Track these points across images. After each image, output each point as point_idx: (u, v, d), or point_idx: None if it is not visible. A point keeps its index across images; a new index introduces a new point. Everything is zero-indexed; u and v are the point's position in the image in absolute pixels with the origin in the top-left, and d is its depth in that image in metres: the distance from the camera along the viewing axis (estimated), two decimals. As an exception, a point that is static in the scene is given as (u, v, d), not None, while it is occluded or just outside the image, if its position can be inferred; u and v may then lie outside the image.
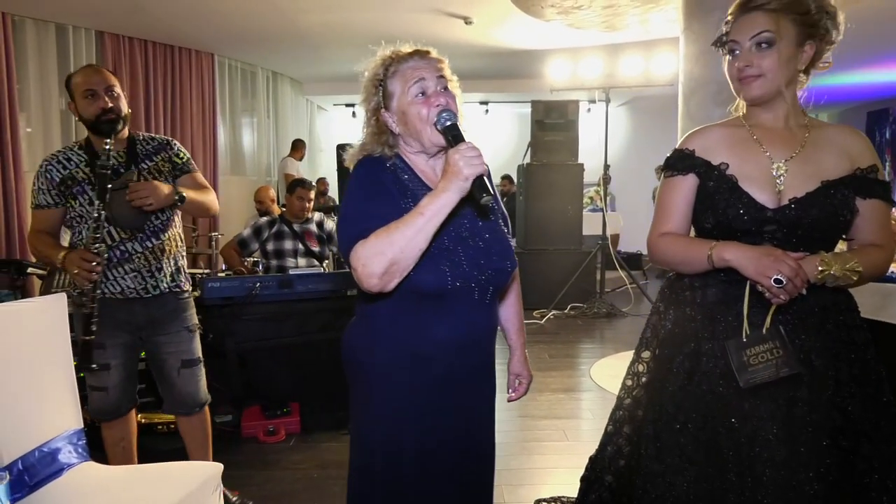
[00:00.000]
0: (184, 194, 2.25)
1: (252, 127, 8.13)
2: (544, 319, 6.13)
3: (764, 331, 1.42)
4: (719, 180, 1.49)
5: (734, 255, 1.41)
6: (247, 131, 8.05)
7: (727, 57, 1.53)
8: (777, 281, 1.34)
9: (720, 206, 1.48)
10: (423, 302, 1.39)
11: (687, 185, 1.53)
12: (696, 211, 1.55)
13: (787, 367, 1.39)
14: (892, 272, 3.28)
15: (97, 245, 2.11)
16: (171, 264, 2.35)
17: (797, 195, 1.45)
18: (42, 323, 1.79)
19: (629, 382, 1.68)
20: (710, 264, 1.45)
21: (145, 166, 2.28)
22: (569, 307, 6.36)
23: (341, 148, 6.54)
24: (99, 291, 2.15)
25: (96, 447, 2.30)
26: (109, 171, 2.11)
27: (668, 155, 1.59)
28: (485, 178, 1.29)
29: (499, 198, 1.54)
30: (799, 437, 1.38)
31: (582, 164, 6.86)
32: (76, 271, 2.08)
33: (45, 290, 3.37)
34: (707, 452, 1.41)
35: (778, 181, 1.47)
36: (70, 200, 2.21)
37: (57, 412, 1.78)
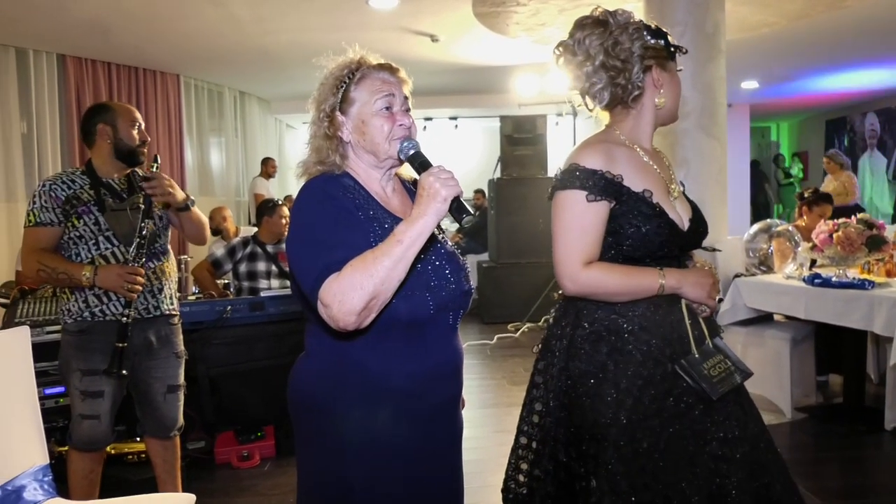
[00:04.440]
0: (193, 201, 2.42)
1: (220, 147, 8.06)
2: (518, 333, 6.16)
3: (711, 345, 1.48)
4: (645, 208, 1.45)
5: (679, 281, 1.46)
6: (215, 151, 7.98)
7: (679, 70, 1.57)
8: (719, 300, 1.40)
9: (650, 234, 1.45)
10: (399, 333, 1.30)
11: (606, 210, 1.45)
12: (615, 235, 1.48)
13: (739, 374, 1.48)
14: (855, 278, 3.37)
15: (140, 261, 2.24)
16: (170, 287, 2.41)
17: (689, 216, 1.55)
18: (5, 356, 1.74)
19: (536, 420, 1.54)
20: (661, 292, 1.45)
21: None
22: (542, 320, 6.38)
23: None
24: (99, 313, 2.24)
25: (63, 481, 2.24)
26: (143, 193, 2.27)
27: (581, 174, 1.45)
28: (461, 200, 1.24)
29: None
30: (748, 429, 1.47)
31: (552, 178, 6.91)
32: (121, 286, 2.18)
33: (9, 320, 3.28)
34: (677, 466, 1.41)
35: (674, 203, 1.54)
36: (73, 220, 2.24)
37: (22, 448, 1.73)
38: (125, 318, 2.22)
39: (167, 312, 2.39)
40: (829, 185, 7.52)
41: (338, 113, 1.37)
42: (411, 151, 1.33)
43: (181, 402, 2.46)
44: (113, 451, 3.05)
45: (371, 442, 1.31)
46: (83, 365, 2.24)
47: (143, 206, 2.27)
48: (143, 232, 2.25)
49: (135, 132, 2.32)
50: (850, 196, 7.30)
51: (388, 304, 1.23)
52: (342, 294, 1.15)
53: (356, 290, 1.15)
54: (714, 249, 1.69)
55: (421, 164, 1.31)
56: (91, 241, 2.25)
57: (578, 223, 1.44)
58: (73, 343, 2.26)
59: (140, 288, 2.23)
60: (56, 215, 2.22)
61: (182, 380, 2.46)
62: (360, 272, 1.16)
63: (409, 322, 1.29)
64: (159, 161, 2.37)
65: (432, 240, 1.36)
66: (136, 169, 2.39)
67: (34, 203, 2.23)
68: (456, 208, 1.23)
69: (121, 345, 2.20)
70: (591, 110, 1.56)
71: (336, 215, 1.28)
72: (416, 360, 1.32)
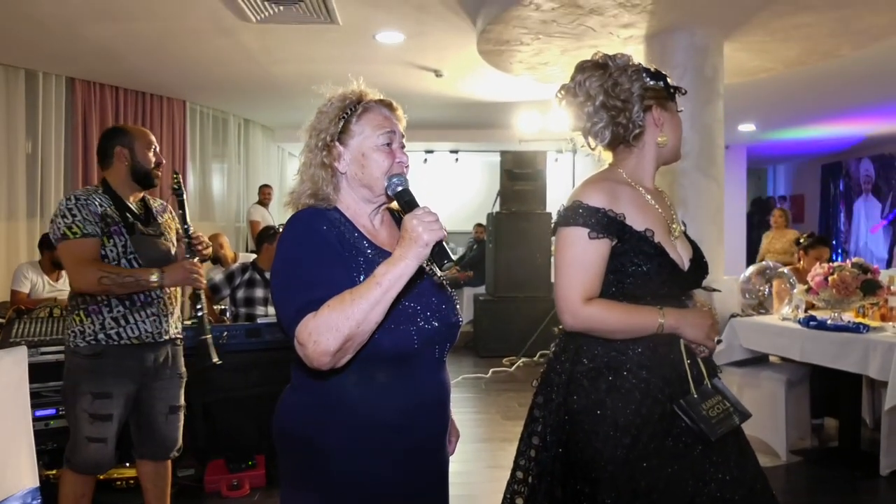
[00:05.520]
0: None
1: (223, 173, 8.11)
2: (514, 367, 6.12)
3: (709, 386, 1.49)
4: (646, 247, 1.47)
5: (678, 321, 1.47)
6: (217, 177, 8.02)
7: (680, 112, 1.62)
8: (718, 341, 1.44)
9: (651, 273, 1.47)
10: (384, 367, 1.28)
11: (608, 247, 1.47)
12: (617, 273, 1.49)
13: (738, 415, 1.48)
14: (850, 321, 3.38)
15: (194, 258, 2.38)
16: (176, 311, 2.45)
17: (690, 256, 1.57)
18: (1, 376, 1.74)
19: (533, 454, 1.55)
20: (660, 331, 1.46)
21: (160, 221, 2.45)
22: (538, 354, 6.37)
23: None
24: (115, 336, 2.25)
25: (51, 505, 2.22)
26: (183, 197, 2.45)
27: (584, 211, 1.46)
28: (444, 244, 1.22)
29: None
30: (747, 470, 1.47)
31: (550, 213, 6.98)
32: (187, 278, 2.30)
33: (3, 340, 3.27)
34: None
35: (675, 242, 1.56)
36: (104, 238, 2.26)
37: (13, 470, 1.71)
38: (201, 313, 2.43)
39: (174, 336, 2.42)
40: (774, 243, 6.82)
41: (337, 143, 1.37)
42: (399, 188, 1.32)
43: (181, 423, 2.47)
44: (102, 477, 3.00)
45: (356, 477, 1.29)
46: (94, 388, 2.23)
47: (181, 211, 2.43)
48: (190, 231, 2.40)
49: (150, 155, 2.38)
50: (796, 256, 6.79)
51: (371, 338, 1.21)
52: (317, 334, 1.15)
53: (331, 332, 1.14)
54: (713, 290, 1.71)
55: (407, 202, 1.29)
56: (114, 262, 2.26)
57: (580, 259, 1.46)
58: (84, 366, 2.24)
59: (203, 280, 2.36)
60: (98, 228, 2.24)
61: (182, 401, 2.47)
62: (336, 313, 1.15)
63: (394, 356, 1.28)
64: (180, 177, 2.47)
65: (419, 272, 1.34)
66: (147, 196, 2.47)
67: (73, 216, 2.21)
68: (437, 253, 1.21)
69: (206, 337, 2.40)
70: (592, 149, 1.59)
71: (319, 252, 1.27)
72: (401, 394, 1.31)
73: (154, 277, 2.23)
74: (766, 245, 6.96)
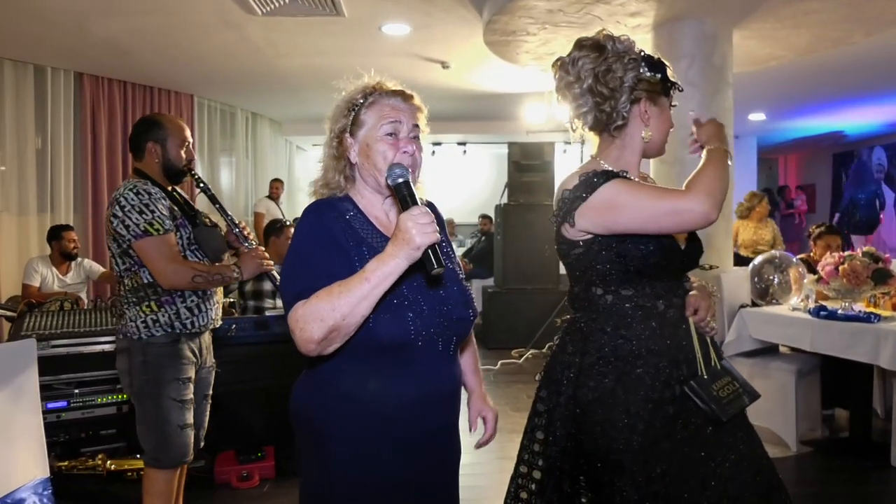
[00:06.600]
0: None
1: (230, 167, 8.14)
2: (522, 359, 6.13)
3: (718, 367, 1.50)
4: None
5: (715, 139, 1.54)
6: (225, 171, 8.05)
7: (673, 106, 1.58)
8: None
9: (655, 251, 1.43)
10: (383, 356, 1.29)
11: None
12: (621, 258, 1.45)
13: (748, 395, 1.49)
14: (861, 311, 3.35)
15: (251, 244, 2.44)
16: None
17: (685, 235, 1.57)
18: (10, 368, 1.75)
19: (537, 448, 1.55)
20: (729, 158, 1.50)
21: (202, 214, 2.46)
22: (546, 346, 6.36)
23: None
24: (189, 325, 2.25)
25: (63, 496, 2.24)
26: (211, 191, 2.46)
27: (600, 172, 1.45)
28: (437, 248, 1.19)
29: (452, 245, 1.48)
30: (756, 451, 1.47)
31: (558, 205, 6.95)
32: (260, 265, 2.37)
33: (15, 333, 3.30)
34: (689, 489, 1.40)
35: None
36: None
37: (23, 461, 1.73)
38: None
39: (215, 325, 2.46)
40: (764, 234, 6.26)
41: (347, 135, 1.38)
42: (399, 180, 1.25)
43: (208, 410, 2.49)
44: (113, 468, 3.04)
45: (356, 464, 1.30)
46: (178, 374, 2.22)
47: (217, 205, 2.44)
48: (235, 219, 2.45)
49: (183, 152, 2.35)
50: (779, 244, 6.33)
51: (365, 325, 1.23)
52: (304, 322, 1.19)
53: (317, 321, 1.18)
54: (713, 267, 1.71)
55: (405, 197, 1.23)
56: (180, 254, 2.24)
57: (644, 188, 1.42)
58: (166, 353, 2.20)
59: (272, 262, 2.42)
60: (172, 222, 2.24)
61: (211, 389, 2.51)
62: (324, 303, 1.19)
63: (390, 346, 1.28)
64: (197, 174, 2.44)
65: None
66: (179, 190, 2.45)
67: (151, 212, 2.15)
68: (428, 257, 1.17)
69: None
70: (573, 131, 1.56)
71: (321, 242, 1.30)
72: (400, 385, 1.31)
73: (235, 274, 2.31)
74: (752, 236, 6.39)
